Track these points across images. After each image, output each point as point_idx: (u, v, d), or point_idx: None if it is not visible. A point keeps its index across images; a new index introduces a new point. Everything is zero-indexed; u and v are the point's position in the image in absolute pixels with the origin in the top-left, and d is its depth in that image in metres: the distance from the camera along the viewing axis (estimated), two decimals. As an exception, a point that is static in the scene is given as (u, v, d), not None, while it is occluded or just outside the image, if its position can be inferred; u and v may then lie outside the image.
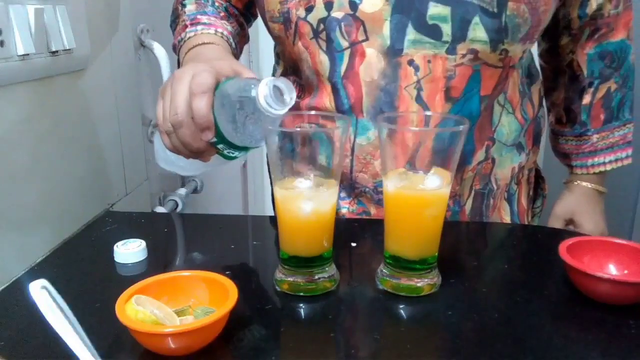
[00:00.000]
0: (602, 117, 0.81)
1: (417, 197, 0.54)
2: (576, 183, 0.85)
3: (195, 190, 1.16)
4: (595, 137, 0.82)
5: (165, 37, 0.97)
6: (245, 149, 0.58)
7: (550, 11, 0.67)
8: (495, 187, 0.76)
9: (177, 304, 0.49)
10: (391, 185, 0.54)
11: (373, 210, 0.75)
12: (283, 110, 0.53)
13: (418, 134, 0.54)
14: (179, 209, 1.04)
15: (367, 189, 0.72)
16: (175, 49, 0.76)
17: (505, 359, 0.47)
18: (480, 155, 0.72)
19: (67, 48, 0.68)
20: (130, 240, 0.65)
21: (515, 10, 0.63)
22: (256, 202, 1.90)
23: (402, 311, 0.54)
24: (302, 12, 0.67)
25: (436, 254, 0.56)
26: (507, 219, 0.80)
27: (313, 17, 0.67)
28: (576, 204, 0.85)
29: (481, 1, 0.62)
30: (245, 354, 0.48)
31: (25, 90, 0.62)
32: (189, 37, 0.72)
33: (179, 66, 0.74)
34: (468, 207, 0.76)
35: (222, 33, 0.73)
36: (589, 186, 0.84)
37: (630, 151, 0.83)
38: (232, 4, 0.81)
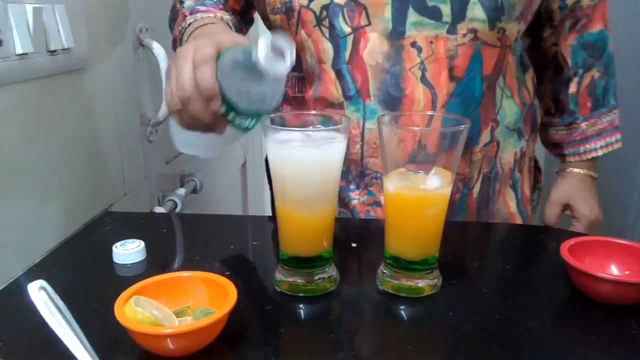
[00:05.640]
0: (589, 104, 0.84)
1: (418, 197, 0.54)
2: (569, 170, 0.87)
3: (194, 191, 1.16)
4: (584, 125, 0.85)
5: (164, 37, 0.97)
6: (256, 115, 0.57)
7: None
8: (501, 171, 0.78)
9: (176, 304, 0.49)
10: (392, 186, 0.54)
11: (383, 200, 0.75)
12: (285, 67, 0.53)
13: (418, 134, 0.54)
14: (178, 209, 1.04)
15: (378, 175, 0.73)
16: (176, 41, 0.76)
17: (506, 360, 0.47)
18: (485, 136, 0.74)
19: (66, 47, 0.67)
20: (129, 240, 0.64)
21: None
22: (256, 202, 1.89)
23: (402, 312, 0.54)
24: (304, 0, 0.68)
25: (437, 254, 0.56)
26: (512, 205, 0.81)
27: (316, 5, 0.68)
28: (571, 190, 0.86)
29: None
30: (245, 355, 0.48)
31: (24, 90, 0.62)
32: (189, 24, 0.73)
33: None
34: (476, 190, 0.77)
35: (221, 17, 0.74)
36: (582, 172, 0.86)
37: (619, 136, 0.85)
38: (230, 6, 0.82)
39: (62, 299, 0.41)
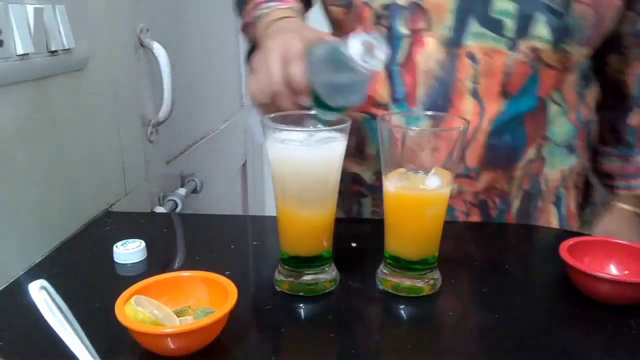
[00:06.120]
0: None
1: (418, 197, 0.54)
2: (617, 205, 0.83)
3: (194, 191, 1.16)
4: None
5: (164, 37, 0.97)
6: (339, 110, 0.58)
7: (611, 19, 0.67)
8: (544, 188, 0.75)
9: (176, 304, 0.49)
10: (392, 186, 0.54)
11: None
12: (378, 66, 0.53)
13: (418, 133, 0.54)
14: (178, 209, 1.04)
15: None
16: (247, 27, 0.76)
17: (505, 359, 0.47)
18: (531, 153, 0.72)
19: (67, 48, 0.67)
20: (130, 240, 0.64)
21: (581, 12, 0.63)
22: (256, 202, 1.89)
23: (402, 311, 0.54)
24: None
25: (436, 254, 0.56)
26: (554, 223, 0.78)
27: (377, 3, 0.67)
28: (617, 227, 0.82)
29: (548, 0, 0.62)
30: (245, 355, 0.48)
31: (24, 90, 0.62)
32: (265, 13, 0.72)
33: (251, 46, 0.75)
34: (515, 206, 0.75)
35: (296, 9, 0.73)
36: (630, 209, 0.82)
37: None
38: None
39: (63, 298, 0.41)
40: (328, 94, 0.56)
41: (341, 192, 0.82)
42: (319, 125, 0.56)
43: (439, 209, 0.55)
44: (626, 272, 0.56)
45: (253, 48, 0.75)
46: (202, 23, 1.32)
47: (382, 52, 0.53)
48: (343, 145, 0.54)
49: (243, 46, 1.65)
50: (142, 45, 0.93)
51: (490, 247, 0.71)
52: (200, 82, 1.30)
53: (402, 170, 0.54)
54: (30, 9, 0.61)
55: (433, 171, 0.53)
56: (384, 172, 0.55)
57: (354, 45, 0.52)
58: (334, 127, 0.53)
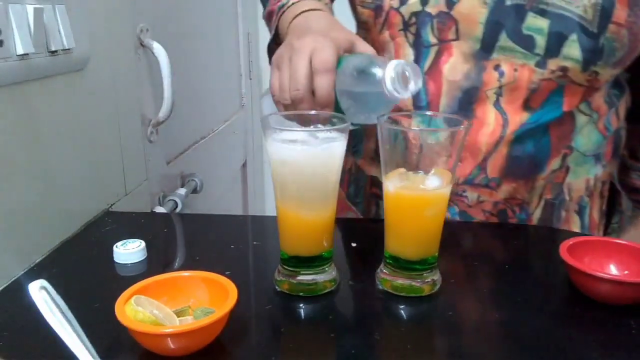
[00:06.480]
0: None
1: (418, 197, 0.54)
2: None
3: (194, 191, 1.16)
4: None
5: (164, 37, 0.97)
6: (358, 125, 0.57)
7: None
8: (567, 197, 0.74)
9: (176, 304, 0.49)
10: (391, 186, 0.54)
11: None
12: (407, 96, 0.53)
13: (418, 134, 0.54)
14: (178, 209, 1.04)
15: None
16: (272, 15, 0.74)
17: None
18: (555, 163, 0.71)
19: (67, 48, 0.67)
20: (130, 240, 0.64)
21: (616, 33, 0.62)
22: (256, 202, 1.90)
23: (402, 311, 0.54)
24: (395, 2, 0.66)
25: (436, 254, 0.56)
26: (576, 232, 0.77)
27: (406, 10, 0.66)
28: None
29: (582, 19, 0.61)
30: (245, 354, 0.48)
31: (24, 90, 0.62)
32: (293, 3, 0.70)
33: (275, 35, 0.73)
34: (536, 216, 0.74)
35: (325, 1, 0.72)
36: None
37: None
38: None
39: (63, 298, 0.42)
40: (351, 108, 0.55)
41: (360, 194, 0.81)
42: (320, 125, 0.56)
43: (439, 209, 0.55)
44: (626, 272, 0.56)
45: (275, 37, 0.74)
46: (202, 23, 1.32)
47: (414, 84, 0.53)
48: (343, 145, 0.54)
49: (243, 46, 1.65)
50: (142, 45, 0.94)
51: (491, 247, 0.71)
52: (200, 82, 1.30)
53: (402, 170, 0.54)
54: (30, 9, 0.61)
55: (433, 171, 0.53)
56: (384, 172, 0.55)
57: (389, 71, 0.51)
58: (334, 127, 0.53)
